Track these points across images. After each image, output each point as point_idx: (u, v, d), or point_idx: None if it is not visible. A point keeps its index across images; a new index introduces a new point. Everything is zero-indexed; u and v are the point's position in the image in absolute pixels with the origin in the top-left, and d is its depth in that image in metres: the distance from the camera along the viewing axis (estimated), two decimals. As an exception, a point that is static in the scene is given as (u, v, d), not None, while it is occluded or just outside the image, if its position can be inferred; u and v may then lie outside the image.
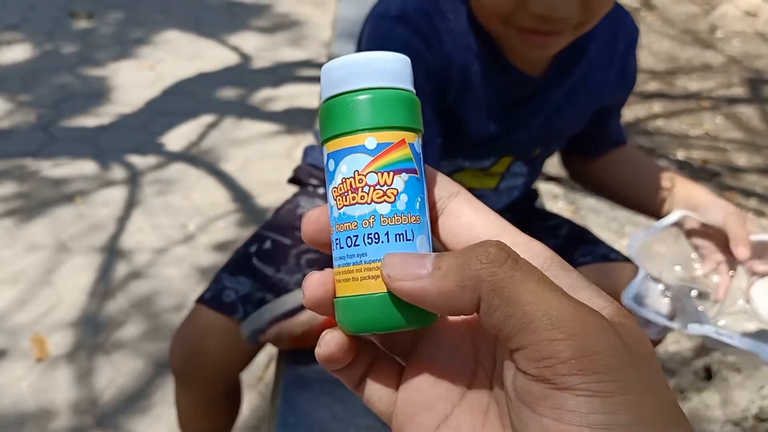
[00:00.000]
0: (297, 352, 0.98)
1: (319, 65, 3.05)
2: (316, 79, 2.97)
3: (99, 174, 2.48)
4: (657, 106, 3.11)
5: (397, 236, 0.32)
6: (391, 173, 0.32)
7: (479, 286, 0.28)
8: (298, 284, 0.98)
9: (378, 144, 0.32)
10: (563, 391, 0.26)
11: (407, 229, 0.32)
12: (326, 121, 0.33)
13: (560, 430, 0.26)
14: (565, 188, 2.45)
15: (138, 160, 2.57)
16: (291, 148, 2.63)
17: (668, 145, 2.78)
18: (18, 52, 3.48)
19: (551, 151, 1.08)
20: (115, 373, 1.68)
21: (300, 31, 3.89)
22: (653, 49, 3.73)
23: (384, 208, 0.31)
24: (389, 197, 0.32)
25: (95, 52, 3.51)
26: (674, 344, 1.79)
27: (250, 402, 1.60)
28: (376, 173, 0.32)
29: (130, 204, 2.32)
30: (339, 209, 0.32)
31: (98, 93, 3.09)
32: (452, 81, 0.84)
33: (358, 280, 0.32)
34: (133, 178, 2.46)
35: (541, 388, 0.27)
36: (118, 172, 2.50)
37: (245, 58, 3.53)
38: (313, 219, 0.33)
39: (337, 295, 0.33)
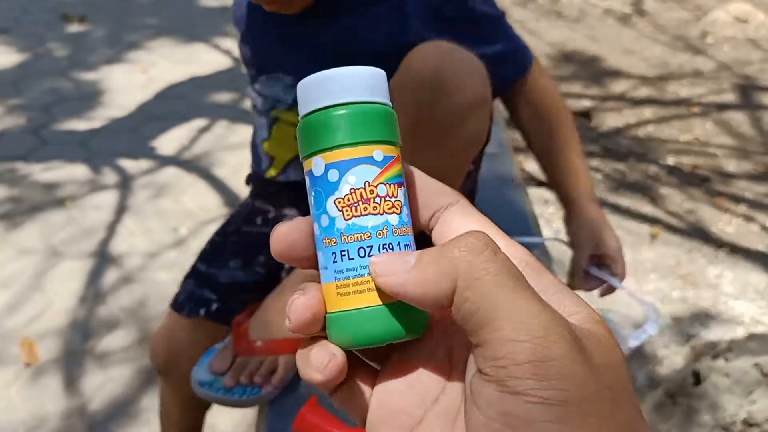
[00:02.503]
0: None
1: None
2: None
3: (90, 178, 2.48)
4: (648, 112, 3.12)
5: (405, 246, 0.32)
6: (395, 185, 0.32)
7: (455, 274, 0.28)
8: (227, 277, 1.11)
9: (384, 157, 0.32)
10: (515, 396, 0.26)
11: (410, 239, 0.33)
12: (323, 131, 0.33)
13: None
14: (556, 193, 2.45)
15: (130, 164, 2.57)
16: (283, 153, 2.62)
17: (658, 151, 2.80)
18: (9, 55, 3.47)
19: None
20: (105, 379, 1.67)
21: (293, 36, 3.89)
22: (644, 54, 3.75)
23: (394, 219, 0.32)
24: (396, 209, 0.32)
25: (87, 56, 3.50)
26: (664, 349, 1.79)
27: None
28: (385, 185, 0.32)
29: (122, 208, 2.31)
30: (347, 220, 0.32)
31: (90, 96, 3.08)
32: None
33: (370, 291, 0.32)
34: (125, 183, 2.46)
35: (493, 390, 0.27)
36: (109, 176, 2.49)
37: (238, 62, 3.53)
38: (282, 235, 0.33)
39: (336, 310, 0.32)
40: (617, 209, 2.40)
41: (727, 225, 2.34)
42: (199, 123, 2.88)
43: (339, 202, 0.32)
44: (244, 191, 2.43)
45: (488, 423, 0.27)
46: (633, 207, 2.42)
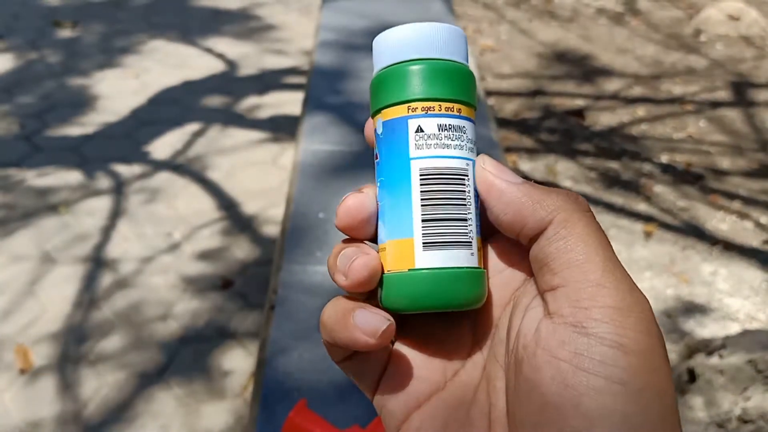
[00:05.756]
0: (276, 362, 0.97)
1: (305, 73, 3.05)
2: (302, 87, 2.97)
3: (84, 184, 2.47)
4: (641, 110, 3.12)
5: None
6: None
7: (559, 209, 0.29)
8: None
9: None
10: (590, 337, 0.26)
11: None
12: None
13: (575, 377, 0.26)
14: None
15: (123, 170, 2.56)
16: (276, 156, 2.62)
17: (652, 149, 2.80)
18: (1, 62, 3.46)
19: None
20: (100, 384, 1.67)
21: (286, 39, 3.89)
22: (637, 53, 3.75)
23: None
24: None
25: (79, 61, 3.50)
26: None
27: (235, 410, 1.60)
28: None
29: (115, 213, 2.31)
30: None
31: (83, 102, 3.08)
32: None
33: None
34: (118, 188, 2.45)
35: (567, 331, 0.27)
36: (102, 182, 2.49)
37: (231, 66, 3.53)
38: (357, 203, 0.32)
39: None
40: (611, 208, 2.40)
41: (721, 222, 2.35)
42: (192, 127, 2.88)
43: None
44: (237, 194, 2.44)
45: (555, 362, 0.27)
46: (627, 205, 2.42)
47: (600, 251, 0.28)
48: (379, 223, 0.33)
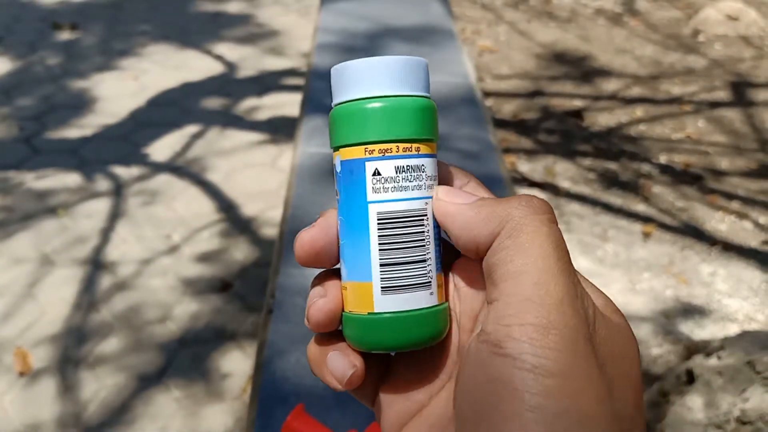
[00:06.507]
0: (274, 366, 0.97)
1: (303, 75, 3.05)
2: (301, 89, 2.97)
3: (82, 186, 2.48)
4: (640, 111, 3.13)
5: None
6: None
7: (507, 220, 0.28)
8: None
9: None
10: (504, 359, 0.25)
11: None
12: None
13: (487, 405, 0.25)
14: (549, 193, 2.46)
15: (122, 172, 2.57)
16: (275, 158, 2.62)
17: (651, 149, 2.80)
18: (0, 64, 3.47)
19: None
20: (99, 387, 1.67)
21: (284, 41, 3.89)
22: (636, 54, 3.75)
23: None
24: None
25: (78, 64, 3.50)
26: (657, 348, 1.80)
27: (234, 413, 1.60)
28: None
29: (114, 215, 2.31)
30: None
31: (82, 104, 3.08)
32: None
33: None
34: (117, 190, 2.45)
35: (486, 351, 0.26)
36: (101, 184, 2.49)
37: (229, 67, 3.53)
38: (308, 242, 0.33)
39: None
40: (610, 208, 2.40)
41: (720, 222, 2.35)
42: (191, 129, 2.88)
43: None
44: (236, 196, 2.45)
45: (472, 388, 0.26)
46: (626, 206, 2.42)
47: (540, 261, 0.26)
48: (341, 260, 0.33)
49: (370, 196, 0.31)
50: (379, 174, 0.31)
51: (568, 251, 0.28)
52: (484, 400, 0.25)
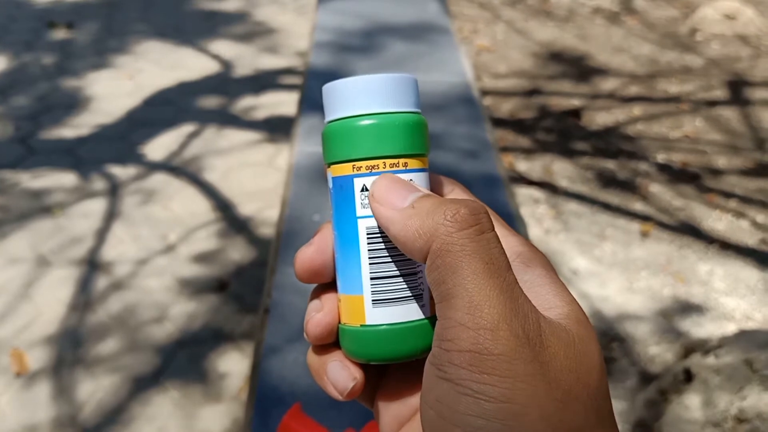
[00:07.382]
0: (271, 365, 0.97)
1: (301, 73, 3.04)
2: (298, 87, 2.96)
3: (78, 186, 2.47)
4: (637, 110, 3.12)
5: None
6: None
7: (432, 239, 0.27)
8: None
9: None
10: (448, 383, 0.25)
11: None
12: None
13: (437, 424, 0.26)
14: (546, 192, 2.45)
15: (118, 171, 2.56)
16: (272, 157, 2.62)
17: (649, 148, 2.80)
18: (-4, 64, 3.46)
19: None
20: (96, 387, 1.66)
21: (281, 39, 3.88)
22: (633, 53, 3.75)
23: None
24: None
25: (74, 63, 3.49)
26: (655, 346, 1.79)
27: (231, 413, 1.59)
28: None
29: (111, 215, 2.30)
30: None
31: (77, 104, 3.07)
32: None
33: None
34: (114, 190, 2.45)
35: (433, 374, 0.26)
36: (98, 184, 2.48)
37: (226, 66, 3.52)
38: (307, 259, 0.34)
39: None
40: (608, 207, 2.40)
41: (717, 221, 2.35)
42: (187, 128, 2.87)
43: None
44: (233, 196, 2.44)
45: (426, 407, 0.27)
46: (623, 205, 2.42)
47: (470, 282, 0.26)
48: (336, 272, 0.34)
49: (359, 211, 0.32)
50: (367, 190, 0.32)
51: (504, 263, 0.27)
52: (436, 420, 0.26)
